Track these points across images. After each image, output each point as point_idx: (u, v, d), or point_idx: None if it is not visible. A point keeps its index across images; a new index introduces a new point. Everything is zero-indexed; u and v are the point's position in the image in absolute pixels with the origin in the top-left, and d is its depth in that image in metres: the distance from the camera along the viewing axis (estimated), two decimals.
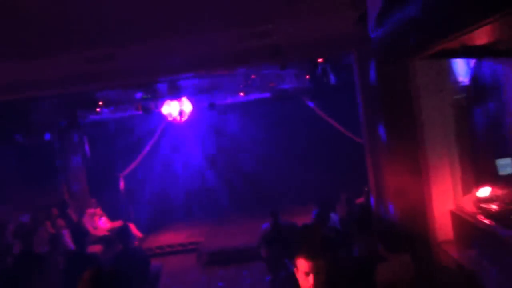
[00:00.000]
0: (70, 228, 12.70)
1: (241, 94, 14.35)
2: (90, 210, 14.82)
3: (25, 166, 14.85)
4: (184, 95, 12.89)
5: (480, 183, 5.47)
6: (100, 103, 13.03)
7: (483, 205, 5.14)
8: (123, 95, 13.02)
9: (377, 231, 7.58)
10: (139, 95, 12.57)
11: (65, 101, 12.65)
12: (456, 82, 5.73)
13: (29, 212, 13.05)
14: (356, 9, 6.21)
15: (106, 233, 14.11)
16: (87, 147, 17.06)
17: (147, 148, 15.93)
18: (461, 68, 5.58)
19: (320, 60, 11.17)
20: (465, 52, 2.32)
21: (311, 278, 3.97)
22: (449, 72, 5.71)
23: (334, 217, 9.42)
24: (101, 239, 13.53)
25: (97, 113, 13.96)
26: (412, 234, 6.36)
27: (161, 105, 13.26)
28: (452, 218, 5.76)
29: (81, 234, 11.88)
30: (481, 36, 1.99)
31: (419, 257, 5.79)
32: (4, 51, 6.47)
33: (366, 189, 10.50)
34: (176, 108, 13.11)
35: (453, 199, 5.80)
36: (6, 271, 8.44)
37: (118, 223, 14.04)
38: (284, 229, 9.52)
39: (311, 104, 14.54)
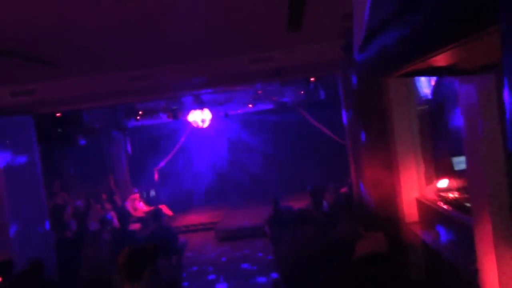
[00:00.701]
0: (115, 211, 12.73)
1: (250, 105, 14.34)
2: (132, 196, 14.84)
3: (80, 162, 14.92)
4: (205, 106, 12.87)
5: (439, 176, 5.44)
6: (140, 112, 13.04)
7: (442, 194, 5.10)
8: (157, 106, 13.03)
9: (358, 214, 7.55)
10: (170, 105, 12.57)
11: (112, 111, 12.69)
12: (420, 95, 5.69)
13: (83, 198, 13.06)
14: (342, 38, 6.17)
15: (143, 215, 14.12)
16: (129, 147, 17.07)
17: (176, 148, 15.93)
18: (425, 84, 5.54)
19: (312, 79, 11.15)
20: (431, 71, 2.30)
21: None
22: (415, 87, 5.68)
23: (324, 203, 9.37)
24: (140, 219, 13.55)
25: (137, 120, 13.99)
26: (386, 217, 6.32)
27: (187, 114, 13.24)
28: (417, 204, 5.72)
29: (124, 215, 11.89)
30: (443, 59, 1.97)
31: (391, 235, 5.75)
32: (62, 70, 6.46)
33: (349, 180, 10.46)
34: (199, 116, 13.09)
35: (418, 188, 5.75)
36: (66, 244, 8.45)
37: (153, 207, 14.07)
38: (283, 212, 9.48)
39: (305, 113, 14.48)
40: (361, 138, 7.59)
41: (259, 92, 12.91)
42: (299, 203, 9.08)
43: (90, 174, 15.07)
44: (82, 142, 12.45)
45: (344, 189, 11.24)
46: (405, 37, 1.82)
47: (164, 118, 14.05)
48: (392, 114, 5.81)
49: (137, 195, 15.12)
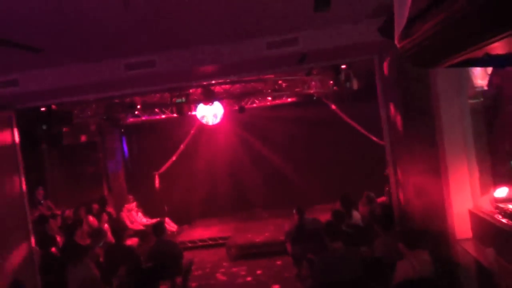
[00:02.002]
0: (109, 223, 12.85)
1: (269, 98, 14.36)
2: (128, 206, 14.97)
3: (69, 165, 15.10)
4: (216, 99, 12.92)
5: (498, 184, 5.37)
6: (139, 106, 13.15)
7: (501, 205, 5.05)
8: (159, 99, 13.14)
9: (398, 229, 7.52)
10: (174, 99, 12.64)
11: (107, 105, 12.82)
12: (474, 87, 5.64)
13: (72, 207, 13.21)
14: (378, 17, 6.15)
15: (142, 228, 14.23)
16: (125, 147, 17.25)
17: (181, 148, 15.97)
18: (479, 74, 5.48)
19: (343, 66, 11.10)
20: (488, 61, 2.27)
21: None
22: (468, 78, 5.62)
23: (356, 214, 9.35)
24: (138, 233, 13.66)
25: (136, 115, 14.11)
26: (432, 232, 6.28)
27: (195, 108, 13.33)
28: (470, 217, 5.66)
29: (119, 228, 12.00)
30: (503, 46, 1.95)
31: (438, 255, 5.71)
32: (48, 57, 6.54)
33: (387, 188, 10.41)
34: (208, 111, 13.17)
35: (471, 198, 5.70)
36: (52, 262, 8.56)
37: (154, 220, 14.20)
38: (308, 226, 9.47)
39: (335, 107, 14.43)
40: (402, 137, 7.55)
41: (280, 82, 12.93)
42: (327, 215, 9.06)
43: (80, 179, 15.24)
44: (71, 141, 12.60)
45: (381, 199, 11.20)
46: (459, 21, 1.79)
47: (167, 114, 14.16)
48: (440, 109, 5.76)
49: (134, 205, 15.25)
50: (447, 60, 2.39)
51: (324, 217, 9.42)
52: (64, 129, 12.85)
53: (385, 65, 8.08)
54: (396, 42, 2.75)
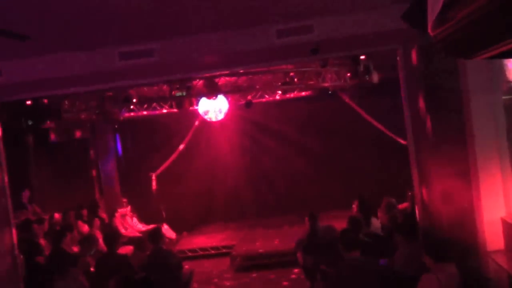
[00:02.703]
0: (101, 229, 12.87)
1: (279, 92, 14.34)
2: (121, 210, 15.00)
3: (57, 164, 15.14)
4: (221, 93, 12.92)
5: None
6: (135, 100, 13.17)
7: None
8: (157, 92, 13.15)
9: (422, 239, 7.49)
10: (174, 92, 12.65)
11: (99, 98, 12.85)
12: (508, 81, 5.61)
13: (60, 211, 13.24)
14: (402, 3, 6.12)
15: (137, 234, 14.26)
16: (119, 145, 17.29)
17: (181, 147, 15.97)
18: None
19: (362, 57, 11.09)
20: None
21: None
22: (502, 71, 5.60)
23: (375, 222, 9.33)
24: (132, 241, 13.67)
25: (131, 110, 14.13)
26: (460, 243, 6.25)
27: (196, 102, 13.34)
28: (503, 226, 5.64)
29: (112, 235, 11.99)
30: None
31: (467, 268, 5.69)
32: (35, 45, 6.55)
33: (410, 193, 10.38)
34: (212, 106, 13.17)
35: (505, 205, 5.67)
36: (38, 272, 8.59)
37: (150, 227, 14.23)
38: (322, 234, 9.46)
39: (353, 103, 14.40)
40: (428, 136, 7.52)
41: (292, 74, 12.91)
42: (342, 222, 9.04)
43: (70, 180, 15.28)
44: (60, 138, 12.66)
45: (403, 205, 11.17)
46: (500, 9, 1.77)
47: (166, 109, 14.18)
48: (471, 106, 5.74)
49: (128, 209, 15.28)
50: (486, 51, 2.37)
51: (340, 224, 9.39)
52: (52, 125, 12.93)
53: (410, 56, 8.05)
54: (429, 30, 2.72)
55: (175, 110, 13.99)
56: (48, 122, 12.68)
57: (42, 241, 10.77)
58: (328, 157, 16.28)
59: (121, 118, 14.80)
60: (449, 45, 2.58)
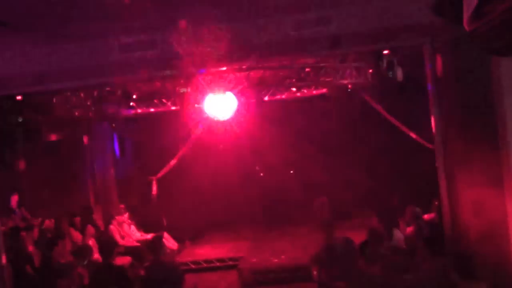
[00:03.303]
0: (95, 237, 12.91)
1: (294, 89, 14.34)
2: (118, 217, 15.03)
3: (49, 166, 15.16)
4: (229, 89, 12.91)
5: None
6: (134, 96, 13.21)
7: None
8: (159, 88, 13.18)
9: (450, 254, 7.48)
10: (177, 87, 12.68)
11: (96, 94, 12.89)
12: None
13: (52, 217, 13.28)
14: None
15: (135, 244, 14.29)
16: (116, 146, 17.32)
17: (185, 148, 15.95)
18: None
19: (385, 52, 11.07)
20: None
21: None
22: None
23: (397, 234, 9.31)
24: (130, 251, 13.70)
25: (130, 107, 14.15)
26: (490, 259, 6.24)
27: (202, 99, 13.32)
28: None
29: (107, 244, 12.03)
30: None
31: (498, 286, 5.68)
32: (25, 34, 6.60)
33: (436, 202, 10.35)
34: (219, 104, 13.14)
35: None
36: (28, 283, 8.63)
37: (150, 235, 14.27)
38: (339, 247, 9.43)
39: (374, 102, 14.36)
40: (457, 140, 7.51)
41: (308, 70, 12.91)
42: (362, 233, 9.02)
43: (62, 184, 15.31)
44: (52, 137, 12.67)
45: (429, 215, 11.14)
46: None
47: (168, 106, 14.18)
48: (504, 107, 5.74)
49: (126, 216, 15.31)
50: None
51: (359, 236, 9.38)
52: (43, 123, 12.96)
53: (438, 52, 8.04)
54: (464, 24, 2.72)
55: (178, 108, 13.99)
56: (40, 119, 12.70)
57: (31, 250, 10.81)
58: (346, 162, 16.25)
59: (119, 116, 14.82)
60: (487, 41, 2.57)
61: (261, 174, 17.55)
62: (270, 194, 17.22)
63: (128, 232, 14.98)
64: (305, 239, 14.07)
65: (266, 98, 14.24)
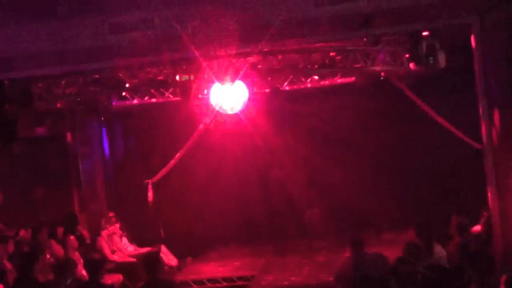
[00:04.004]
0: (81, 251, 12.92)
1: (316, 77, 14.30)
2: (110, 228, 15.04)
3: (26, 167, 15.19)
4: (239, 78, 12.89)
5: None
6: (127, 85, 13.21)
7: None
8: (157, 76, 13.17)
9: (502, 274, 7.44)
10: (179, 75, 12.67)
11: (82, 83, 12.90)
12: None
13: (30, 227, 13.30)
14: None
15: (128, 259, 14.30)
16: (106, 144, 17.34)
17: (187, 147, 15.93)
18: None
19: (425, 33, 11.03)
20: None
21: None
22: None
23: (438, 249, 9.27)
24: (122, 267, 13.71)
25: (122, 98, 14.15)
26: None
27: (208, 90, 13.32)
28: None
29: (95, 259, 12.06)
30: None
31: None
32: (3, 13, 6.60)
33: (485, 213, 10.31)
34: (227, 95, 13.14)
35: None
36: None
37: (145, 250, 14.25)
38: (369, 265, 9.43)
39: (412, 93, 14.29)
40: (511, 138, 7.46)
41: (332, 55, 12.87)
42: (396, 249, 8.99)
43: (42, 188, 15.34)
44: (30, 133, 12.66)
45: (476, 228, 11.08)
46: None
47: (168, 97, 14.17)
48: None
49: (117, 226, 15.31)
50: None
51: (392, 252, 9.36)
52: (21, 116, 12.97)
53: (489, 33, 7.99)
54: None
55: (179, 98, 13.97)
56: (16, 112, 12.72)
57: (6, 265, 10.83)
58: (376, 164, 16.20)
59: (110, 108, 14.83)
60: None
61: (276, 178, 17.39)
62: (285, 202, 17.14)
63: (120, 246, 14.99)
64: (323, 253, 14.06)
65: (284, 87, 14.15)
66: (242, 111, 13.70)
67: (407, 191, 15.26)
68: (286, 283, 13.07)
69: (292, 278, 13.16)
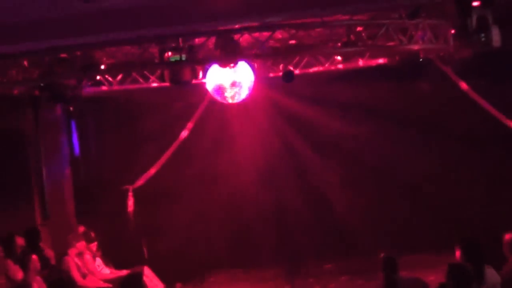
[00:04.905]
0: (43, 274, 12.95)
1: (338, 58, 14.33)
2: (78, 245, 15.06)
3: None
4: (243, 58, 12.91)
5: None
6: (102, 66, 13.23)
7: None
8: (140, 56, 13.18)
9: None
10: (167, 55, 12.69)
11: (45, 63, 12.92)
12: None
13: None
14: None
15: (103, 284, 14.34)
16: (76, 139, 17.35)
17: (175, 145, 15.99)
18: None
19: (476, 3, 11.05)
20: None
21: None
22: None
23: (491, 273, 9.30)
24: None
25: (97, 83, 14.17)
26: None
27: (204, 73, 13.35)
28: None
29: (62, 284, 12.10)
30: None
31: None
32: None
33: None
34: (227, 79, 13.17)
35: None
36: None
37: (124, 272, 14.30)
38: None
39: (459, 78, 14.31)
40: None
41: (359, 29, 12.89)
42: (438, 273, 9.06)
43: None
44: None
45: None
46: None
47: (153, 82, 14.20)
48: None
49: (85, 244, 15.32)
50: None
51: (434, 277, 9.42)
52: None
53: None
54: None
55: (167, 84, 13.98)
56: None
57: None
58: (415, 168, 16.22)
59: (81, 95, 14.86)
60: None
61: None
62: (295, 217, 17.19)
63: (92, 267, 15.01)
64: (350, 280, 14.13)
65: (297, 71, 14.18)
66: (246, 100, 13.71)
67: (451, 204, 15.27)
68: None
69: None
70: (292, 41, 13.14)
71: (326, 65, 14.89)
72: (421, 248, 14.74)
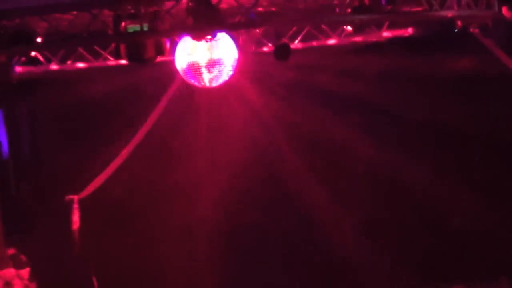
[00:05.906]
0: None
1: (348, 28, 14.24)
2: (5, 272, 14.99)
3: None
4: (224, 29, 12.80)
5: None
6: (39, 39, 13.11)
7: None
8: (89, 25, 13.05)
9: None
10: (124, 24, 12.56)
11: None
12: None
13: None
14: None
15: None
16: (3, 135, 17.31)
17: (136, 141, 15.93)
18: None
19: None
20: None
21: None
22: None
23: None
24: None
25: (32, 61, 14.07)
26: None
27: (173, 48, 13.24)
28: None
29: None
30: None
31: None
32: None
33: None
34: (203, 56, 13.07)
35: None
36: None
37: None
38: None
39: (503, 55, 14.29)
40: None
41: None
42: None
43: None
44: None
45: None
46: None
47: (105, 59, 14.10)
48: None
49: (20, 270, 15.24)
50: None
51: None
52: None
53: None
54: None
55: (124, 62, 13.87)
56: None
57: None
58: (448, 170, 16.24)
59: (11, 77, 14.76)
60: None
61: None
62: (295, 232, 17.24)
63: None
64: None
65: (297, 44, 14.10)
66: (228, 83, 13.59)
67: (500, 213, 15.30)
68: None
69: None
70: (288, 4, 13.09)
71: (333, 37, 14.76)
72: (462, 277, 14.78)
